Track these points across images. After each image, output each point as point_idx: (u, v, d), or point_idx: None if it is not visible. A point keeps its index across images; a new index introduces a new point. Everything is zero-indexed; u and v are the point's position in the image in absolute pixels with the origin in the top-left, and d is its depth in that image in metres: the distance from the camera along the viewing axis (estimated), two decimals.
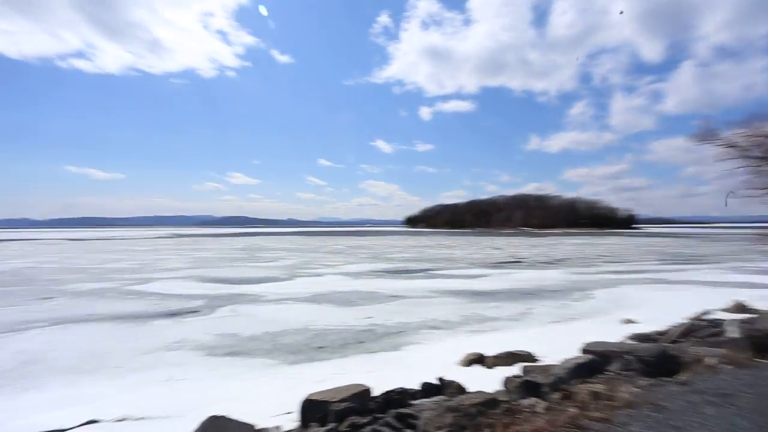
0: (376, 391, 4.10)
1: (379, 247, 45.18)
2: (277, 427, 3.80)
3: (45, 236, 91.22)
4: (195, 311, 12.18)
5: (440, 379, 4.15)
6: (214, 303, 13.33)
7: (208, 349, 8.43)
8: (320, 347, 8.62)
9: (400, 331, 9.80)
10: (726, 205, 13.17)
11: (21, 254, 36.47)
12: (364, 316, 11.32)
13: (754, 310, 10.33)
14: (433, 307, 12.66)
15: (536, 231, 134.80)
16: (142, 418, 4.81)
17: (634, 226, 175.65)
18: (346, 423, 3.03)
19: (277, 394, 5.44)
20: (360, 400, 3.57)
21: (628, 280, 18.42)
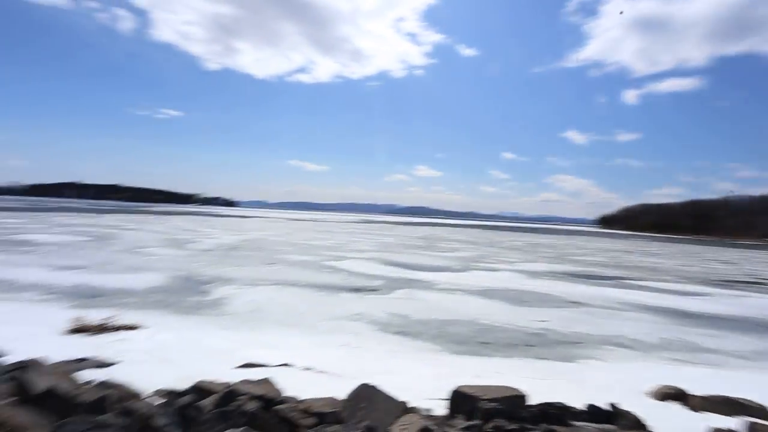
0: (533, 399, 3.79)
1: (564, 247, 41.28)
2: (428, 410, 3.90)
3: (273, 215, 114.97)
4: (375, 290, 13.48)
5: (613, 406, 3.53)
6: (391, 284, 14.49)
7: (381, 325, 9.23)
8: (485, 342, 8.45)
9: (577, 342, 8.79)
10: None
11: (257, 228, 46.86)
12: (537, 319, 10.57)
13: None
14: (622, 321, 10.92)
15: None
16: (321, 371, 5.62)
17: None
18: (492, 424, 2.87)
19: (434, 378, 5.58)
20: (511, 404, 3.35)
21: None
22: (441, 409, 4.00)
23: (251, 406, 2.70)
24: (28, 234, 25.63)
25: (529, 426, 2.82)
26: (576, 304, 12.84)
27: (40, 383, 2.90)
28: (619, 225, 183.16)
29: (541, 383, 5.88)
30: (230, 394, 2.99)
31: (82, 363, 5.21)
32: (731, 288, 18.95)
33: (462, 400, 3.46)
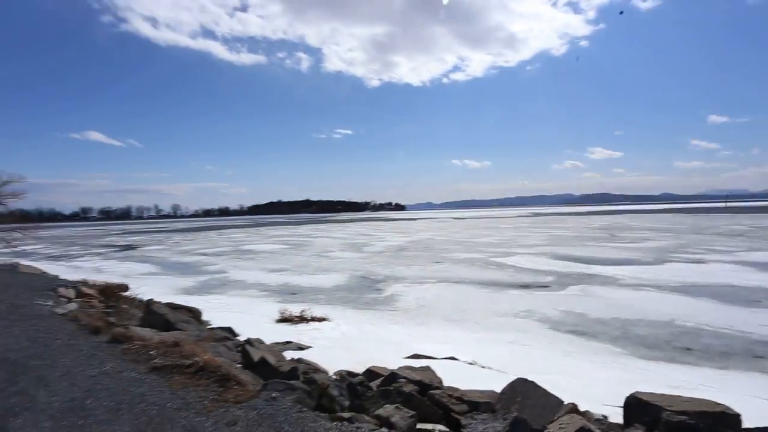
0: (751, 423, 3.04)
1: None
2: (602, 416, 3.56)
3: (438, 216, 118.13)
4: (544, 286, 12.66)
5: None
6: (563, 280, 13.37)
7: (552, 324, 8.63)
8: (687, 348, 7.08)
9: None
10: None
11: (424, 229, 48.94)
12: (759, 323, 8.31)
13: None
14: None
15: None
16: (485, 367, 5.63)
17: None
18: None
19: (612, 383, 4.99)
20: (713, 422, 2.79)
21: None
22: (617, 416, 3.59)
23: (409, 388, 2.96)
24: (249, 245, 32.53)
25: None
26: None
27: (257, 355, 3.78)
28: None
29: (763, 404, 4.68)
30: (392, 376, 3.33)
31: (287, 345, 6.45)
32: None
33: (640, 409, 3.05)
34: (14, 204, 22.08)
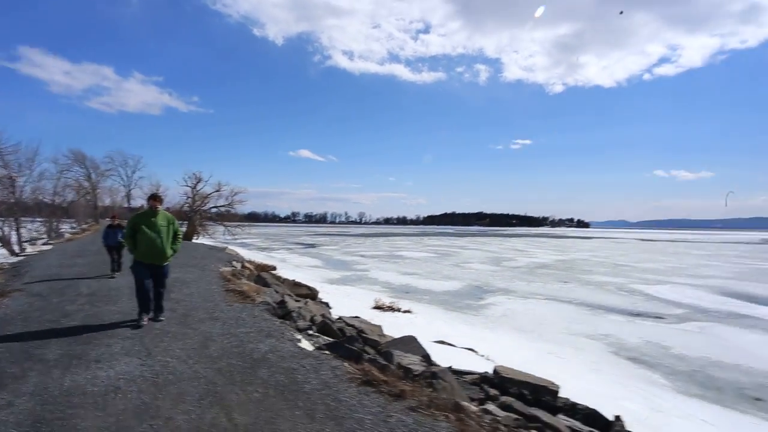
0: None
1: None
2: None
3: (621, 236, 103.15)
4: (659, 317, 11.64)
5: None
6: (692, 315, 11.90)
7: (618, 348, 8.55)
8: (756, 398, 6.44)
9: None
10: None
11: (589, 249, 44.72)
12: None
13: None
14: None
15: None
16: (490, 359, 6.69)
17: None
18: None
19: (600, 394, 5.50)
20: (533, 391, 3.76)
21: None
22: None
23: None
24: (404, 251, 36.21)
25: None
26: None
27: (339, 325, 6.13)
28: None
29: None
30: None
31: (356, 318, 8.66)
32: None
33: (497, 379, 4.15)
34: (240, 207, 30.78)
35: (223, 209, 29.32)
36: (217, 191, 28.71)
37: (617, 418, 3.49)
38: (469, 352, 7.28)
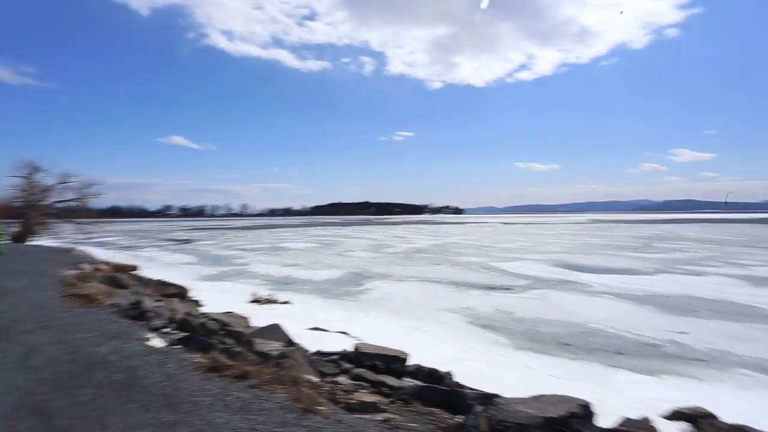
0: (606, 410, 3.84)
1: None
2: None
3: (491, 221, 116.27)
4: (509, 289, 13.53)
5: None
6: (534, 285, 14.08)
7: (473, 318, 9.76)
8: (567, 344, 7.98)
9: (699, 360, 7.18)
10: None
11: (461, 233, 49.44)
12: (675, 329, 8.81)
13: None
14: None
15: None
16: (357, 338, 7.12)
17: None
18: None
19: (452, 360, 6.24)
20: (386, 361, 4.18)
21: None
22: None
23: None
24: (288, 243, 35.58)
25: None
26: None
27: (202, 321, 5.68)
28: None
29: (552, 381, 5.77)
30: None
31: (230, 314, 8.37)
32: None
33: (358, 353, 4.50)
34: (96, 202, 26.79)
35: (72, 204, 25.26)
36: (63, 183, 24.61)
37: (448, 373, 4.07)
38: (342, 335, 7.63)
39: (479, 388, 4.14)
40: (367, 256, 23.89)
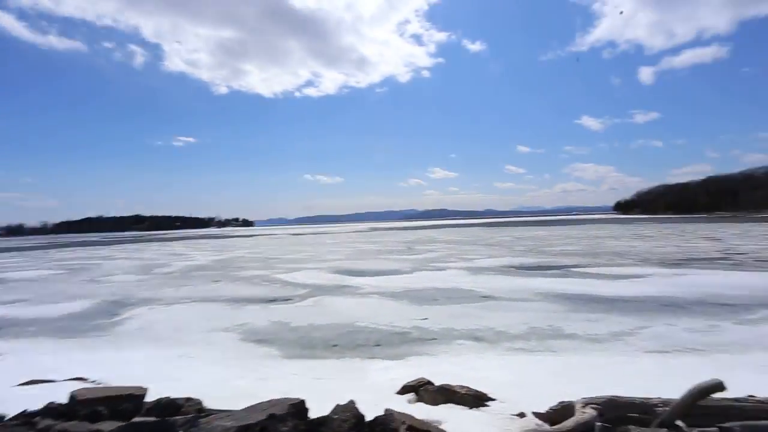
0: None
1: (551, 239, 40.63)
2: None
3: (280, 232, 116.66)
4: (289, 299, 13.75)
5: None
6: (312, 293, 14.71)
7: (248, 335, 9.46)
8: (335, 345, 8.62)
9: (433, 339, 8.83)
10: None
11: (248, 246, 47.80)
12: (420, 317, 10.62)
13: None
14: (513, 312, 10.84)
15: None
16: (103, 384, 5.94)
17: None
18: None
19: (201, 385, 5.82)
20: (116, 404, 3.59)
21: None
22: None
23: None
24: (10, 272, 26.98)
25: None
26: (485, 298, 12.79)
27: None
28: (637, 209, 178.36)
29: (314, 383, 6.08)
30: None
31: None
32: (682, 267, 18.41)
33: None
34: None
35: None
36: None
37: (192, 400, 3.80)
38: (76, 381, 6.19)
39: (231, 408, 4.00)
40: (132, 280, 20.35)
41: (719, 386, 3.07)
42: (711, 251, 24.90)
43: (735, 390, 4.96)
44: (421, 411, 4.59)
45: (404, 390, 5.37)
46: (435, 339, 8.80)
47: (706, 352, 7.52)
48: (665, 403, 3.52)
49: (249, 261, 28.36)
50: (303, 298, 13.84)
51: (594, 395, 4.12)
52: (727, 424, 3.08)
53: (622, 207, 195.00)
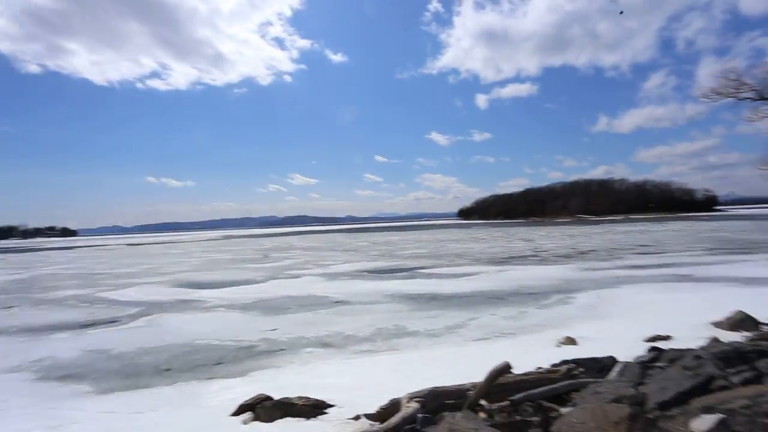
0: None
1: (403, 243, 43.67)
2: None
3: (113, 242, 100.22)
4: (113, 321, 11.71)
5: None
6: (146, 311, 12.82)
7: (51, 371, 7.71)
8: (167, 369, 7.60)
9: (281, 350, 8.49)
10: None
11: (63, 261, 39.65)
12: (269, 328, 10.13)
13: (761, 324, 7.71)
14: (362, 316, 11.16)
15: (594, 218, 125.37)
16: None
17: (715, 208, 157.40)
18: None
19: None
20: None
21: (642, 277, 15.49)
22: None
23: None
24: None
25: None
26: (338, 303, 12.92)
27: None
28: (475, 215, 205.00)
29: (132, 420, 5.22)
30: None
31: None
32: (505, 264, 21.68)
33: None
34: None
35: None
36: None
37: None
38: None
39: None
40: None
41: (507, 367, 3.56)
42: (525, 250, 29.92)
43: (532, 363, 5.99)
44: (254, 430, 4.32)
45: (240, 410, 4.98)
46: (283, 350, 8.48)
47: (515, 335, 8.88)
48: (475, 386, 3.95)
49: (64, 279, 23.43)
50: (133, 318, 11.96)
51: (429, 386, 4.43)
52: (515, 397, 3.58)
53: (464, 213, 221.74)
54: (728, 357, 3.48)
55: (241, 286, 17.31)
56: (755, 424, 2.14)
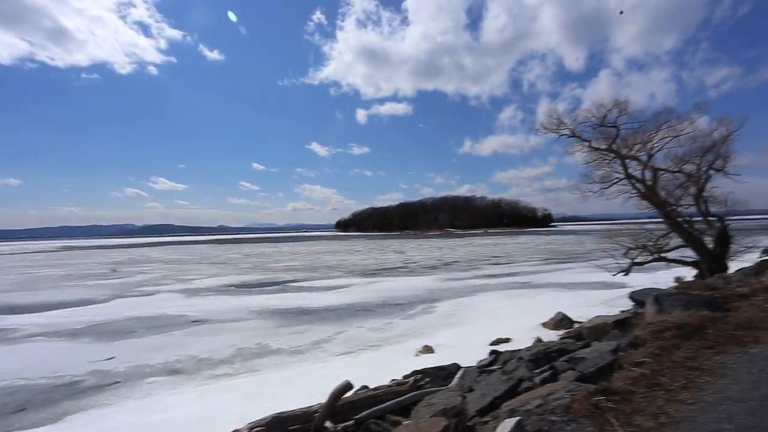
0: None
1: (277, 255, 42.17)
2: None
3: None
4: None
5: None
6: None
7: None
8: None
9: (115, 383, 7.30)
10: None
11: None
12: (104, 357, 8.67)
13: (574, 322, 9.21)
14: (222, 335, 10.30)
15: (459, 232, 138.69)
16: None
17: (551, 224, 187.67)
18: None
19: None
20: None
21: (494, 285, 17.41)
22: None
23: None
24: None
25: None
26: (197, 322, 11.76)
27: None
28: (353, 227, 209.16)
29: None
30: None
31: None
32: (376, 276, 22.42)
33: None
34: None
35: None
36: None
37: None
38: None
39: None
40: None
41: (348, 386, 3.56)
42: (396, 262, 31.43)
43: (393, 374, 6.17)
44: None
45: None
46: (117, 382, 7.31)
47: (379, 346, 9.12)
48: (322, 407, 3.86)
49: None
50: None
51: (285, 408, 4.17)
52: (360, 415, 3.58)
53: (342, 225, 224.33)
54: (537, 358, 4.04)
55: (73, 308, 14.62)
56: (544, 422, 2.46)
